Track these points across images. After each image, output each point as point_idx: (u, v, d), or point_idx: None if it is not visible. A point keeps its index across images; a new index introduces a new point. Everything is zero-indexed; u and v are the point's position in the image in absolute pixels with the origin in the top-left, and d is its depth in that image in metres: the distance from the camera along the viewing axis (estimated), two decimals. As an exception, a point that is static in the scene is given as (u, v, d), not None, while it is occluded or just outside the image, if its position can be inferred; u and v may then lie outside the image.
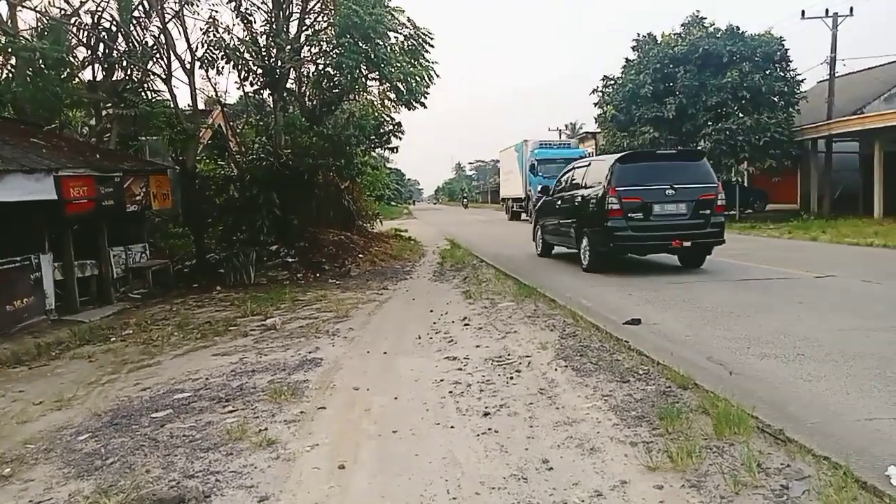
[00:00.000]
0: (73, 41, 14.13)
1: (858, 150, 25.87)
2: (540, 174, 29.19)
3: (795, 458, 3.71)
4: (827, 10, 26.55)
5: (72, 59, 14.08)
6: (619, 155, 13.19)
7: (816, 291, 9.43)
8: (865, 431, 4.19)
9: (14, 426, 5.08)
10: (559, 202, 14.22)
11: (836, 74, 27.29)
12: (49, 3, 14.78)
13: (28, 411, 5.42)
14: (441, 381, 5.59)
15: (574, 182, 13.66)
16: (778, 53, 26.00)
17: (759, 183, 32.27)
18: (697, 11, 28.73)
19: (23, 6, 14.28)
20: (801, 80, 27.06)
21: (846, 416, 4.50)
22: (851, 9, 26.72)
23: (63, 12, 14.53)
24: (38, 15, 14.27)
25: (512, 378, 5.55)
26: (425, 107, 14.84)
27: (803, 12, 26.73)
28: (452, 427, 4.49)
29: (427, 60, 14.54)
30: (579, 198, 12.88)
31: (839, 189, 26.11)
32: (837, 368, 5.53)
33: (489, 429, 4.40)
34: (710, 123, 25.48)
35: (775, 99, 25.86)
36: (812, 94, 28.00)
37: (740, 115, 25.42)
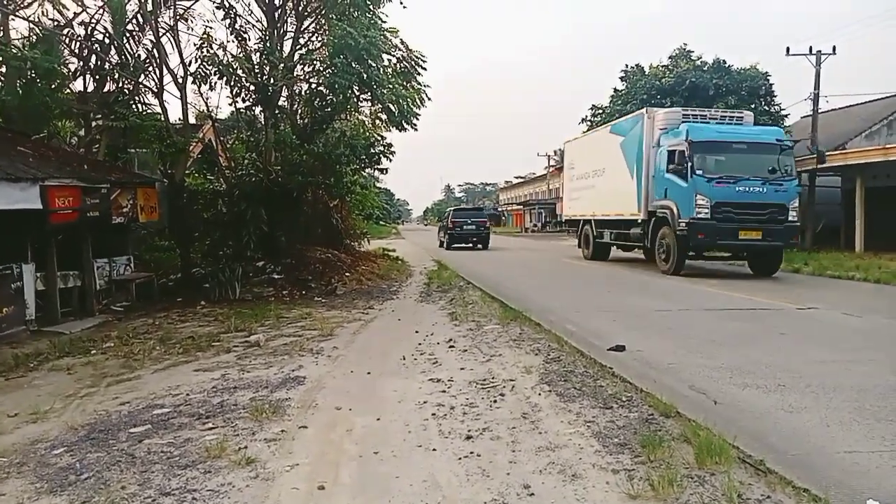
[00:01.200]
0: (66, 52, 14.14)
1: (840, 184, 26.34)
2: (700, 172, 15.28)
3: (776, 489, 3.72)
4: (811, 48, 27.21)
5: (63, 69, 14.07)
6: None
7: (798, 323, 9.53)
8: (845, 464, 4.22)
9: (-13, 438, 4.97)
10: None
11: (820, 110, 27.85)
12: (42, 13, 14.82)
13: (2, 423, 5.31)
14: (424, 402, 5.56)
15: None
16: (763, 88, 26.65)
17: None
18: (685, 45, 29.39)
19: (16, 15, 14.29)
20: (786, 115, 27.68)
21: (826, 448, 4.53)
22: (834, 48, 27.39)
23: (56, 23, 14.55)
24: (31, 25, 14.29)
25: (495, 401, 5.54)
26: (416, 129, 14.96)
27: (788, 49, 27.34)
28: (434, 450, 4.46)
29: (419, 83, 14.71)
30: None
31: (821, 223, 26.51)
32: (818, 400, 5.57)
33: (471, 452, 4.38)
34: (696, 154, 25.85)
35: (760, 132, 26.32)
36: (796, 129, 28.60)
37: (726, 147, 25.81)
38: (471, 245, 31.42)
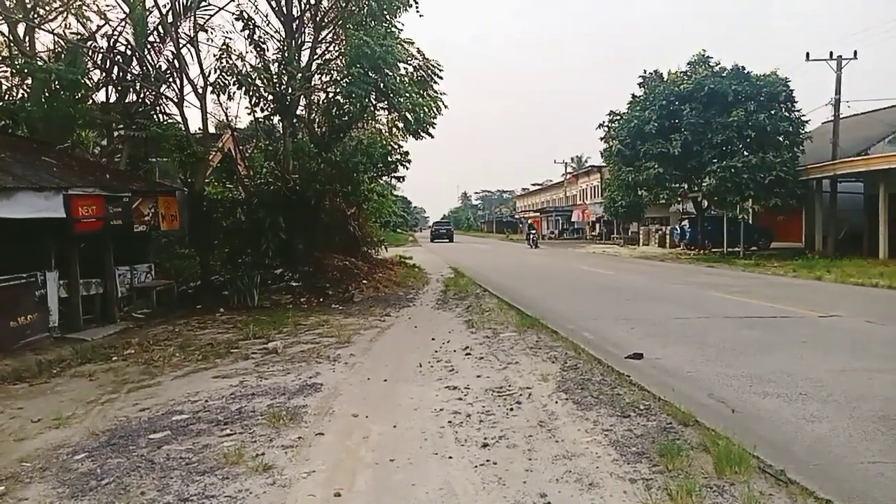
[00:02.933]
0: (89, 63, 14.41)
1: (863, 190, 25.95)
2: None
3: (797, 500, 3.66)
4: (831, 53, 26.87)
5: (87, 81, 14.34)
6: None
7: (820, 331, 9.38)
8: (868, 475, 4.14)
9: (11, 443, 5.06)
10: None
11: (841, 116, 27.46)
12: (66, 26, 15.14)
13: (26, 429, 5.40)
14: (441, 410, 5.56)
15: None
16: (783, 94, 26.30)
17: (763, 221, 32.35)
18: (704, 51, 29.16)
19: (41, 28, 14.61)
20: (806, 121, 27.30)
21: (849, 458, 4.45)
22: (855, 52, 27.04)
23: (80, 35, 14.85)
24: (56, 37, 14.59)
25: (512, 409, 5.52)
26: (432, 136, 15.01)
27: (808, 54, 27.06)
28: (451, 457, 4.45)
29: (435, 91, 14.77)
30: None
31: (844, 229, 26.11)
32: (840, 410, 5.48)
33: (487, 460, 4.37)
34: (715, 161, 25.66)
35: (780, 138, 26.06)
36: (817, 135, 28.20)
37: (745, 153, 25.62)
38: (445, 239, 58.38)
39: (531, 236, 46.71)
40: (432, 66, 14.71)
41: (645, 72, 29.93)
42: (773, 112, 25.91)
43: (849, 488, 3.87)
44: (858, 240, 25.26)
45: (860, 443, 4.72)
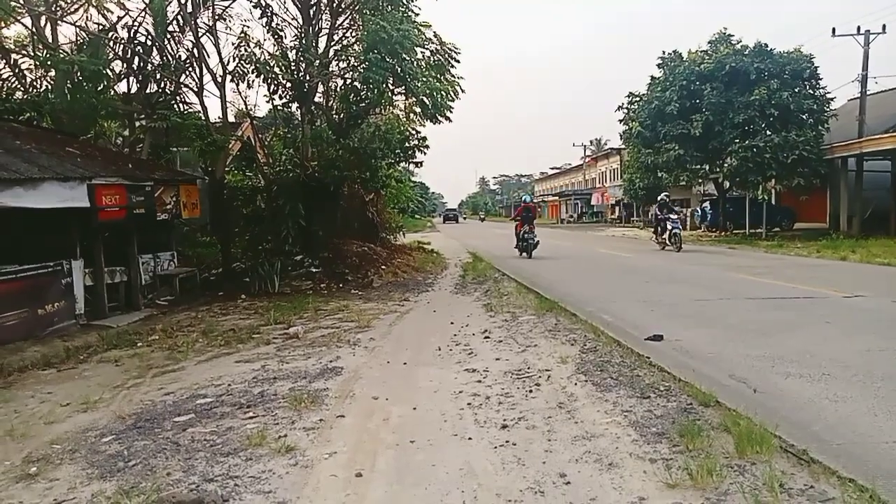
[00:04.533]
0: (110, 55, 14.55)
1: (891, 168, 25.37)
2: None
3: (819, 479, 3.64)
4: (858, 28, 26.22)
5: (108, 71, 14.49)
6: None
7: (844, 311, 9.24)
8: (894, 454, 4.10)
9: (41, 426, 5.20)
10: None
11: (868, 92, 26.85)
12: (88, 17, 15.28)
13: (55, 412, 5.54)
14: (460, 392, 5.60)
15: None
16: (807, 71, 25.75)
17: (786, 201, 31.82)
18: (725, 29, 28.61)
19: (63, 21, 14.77)
20: (832, 98, 26.72)
21: (874, 437, 4.40)
22: (884, 26, 26.38)
23: (101, 27, 14.98)
24: (78, 29, 14.74)
25: (531, 391, 5.54)
26: (450, 120, 14.96)
27: (834, 30, 26.45)
28: (470, 438, 4.49)
29: (453, 75, 14.68)
30: None
31: (870, 208, 25.58)
32: (865, 389, 5.41)
33: (507, 441, 4.39)
34: (736, 141, 25.26)
35: (804, 116, 25.57)
36: (842, 112, 27.60)
37: (768, 132, 25.18)
38: (453, 221, 76.90)
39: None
40: (449, 49, 14.61)
41: (664, 52, 29.41)
42: (796, 90, 25.40)
43: (873, 467, 3.82)
44: (885, 219, 24.73)
45: (885, 422, 4.66)
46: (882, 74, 50.79)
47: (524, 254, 20.22)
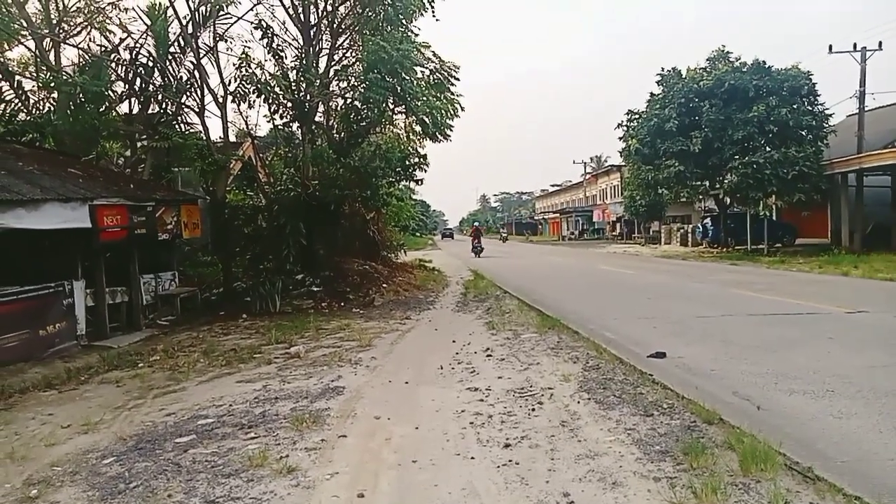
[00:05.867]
0: (112, 76, 14.70)
1: (890, 184, 25.43)
2: None
3: (825, 497, 3.61)
4: (855, 45, 26.44)
5: (110, 93, 14.63)
6: None
7: (847, 327, 9.21)
8: (899, 471, 4.07)
9: (42, 448, 5.17)
10: None
11: (866, 108, 26.99)
12: (90, 39, 15.46)
13: (56, 434, 5.52)
14: (462, 411, 5.57)
15: None
16: (805, 87, 25.91)
17: (788, 217, 31.86)
18: (723, 46, 28.83)
19: (66, 43, 14.94)
20: (830, 114, 26.87)
21: (879, 454, 4.37)
22: (880, 43, 26.68)
23: (103, 49, 15.15)
24: (80, 51, 14.91)
25: (534, 410, 5.51)
26: (449, 139, 15.04)
27: (830, 47, 26.65)
28: (473, 458, 4.46)
29: (452, 93, 14.78)
30: None
31: (871, 224, 25.59)
32: (869, 406, 5.38)
33: (510, 460, 4.36)
34: (736, 157, 25.36)
35: (803, 133, 25.68)
36: (841, 128, 27.73)
37: (767, 148, 25.27)
38: (451, 238, 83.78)
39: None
40: (448, 68, 14.73)
41: (663, 69, 29.61)
42: (795, 106, 25.54)
43: (878, 485, 3.80)
44: (887, 234, 24.73)
45: (890, 439, 4.63)
46: (880, 91, 51.15)
47: (474, 254, 33.35)
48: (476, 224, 43.06)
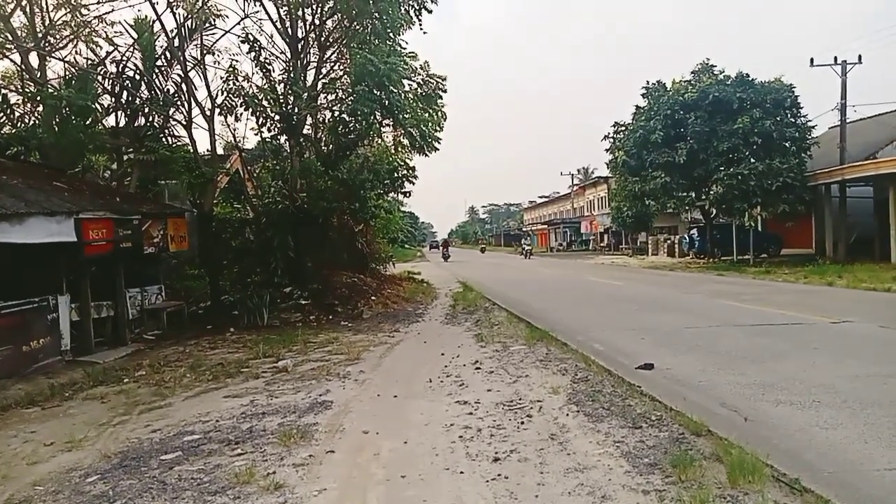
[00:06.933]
0: (99, 89, 14.63)
1: (873, 194, 25.77)
2: None
3: (812, 508, 3.62)
4: (836, 58, 26.87)
5: (96, 106, 14.54)
6: None
7: (832, 337, 9.30)
8: (885, 482, 4.09)
9: (24, 467, 5.09)
10: None
11: (848, 120, 27.40)
12: (77, 52, 15.40)
13: (39, 452, 5.43)
14: (451, 425, 5.55)
15: None
16: (788, 100, 26.25)
17: (773, 227, 32.16)
18: (707, 59, 29.19)
19: (52, 56, 14.87)
20: (813, 126, 27.23)
21: (865, 465, 4.40)
22: (860, 56, 27.06)
23: (90, 62, 15.08)
24: (66, 64, 14.83)
25: (523, 423, 5.50)
26: (437, 150, 15.09)
27: (812, 60, 27.07)
28: (462, 472, 4.44)
29: (439, 105, 14.85)
30: None
31: (854, 234, 25.90)
32: (855, 416, 5.42)
33: (499, 474, 4.35)
34: (721, 168, 25.61)
35: (787, 144, 25.98)
36: (824, 140, 28.10)
37: (752, 160, 25.54)
38: (437, 250, 66.53)
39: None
40: (436, 79, 14.79)
41: (648, 82, 29.92)
42: (778, 118, 25.86)
43: (865, 496, 3.82)
44: (869, 244, 25.05)
45: (875, 449, 4.66)
46: (861, 103, 51.95)
47: (444, 259, 46.02)
48: (445, 238, 68.25)
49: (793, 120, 26.45)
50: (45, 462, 5.19)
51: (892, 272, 18.42)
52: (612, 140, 31.45)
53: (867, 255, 23.86)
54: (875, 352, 8.20)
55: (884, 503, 3.74)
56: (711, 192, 27.23)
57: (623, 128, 30.59)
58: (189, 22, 14.34)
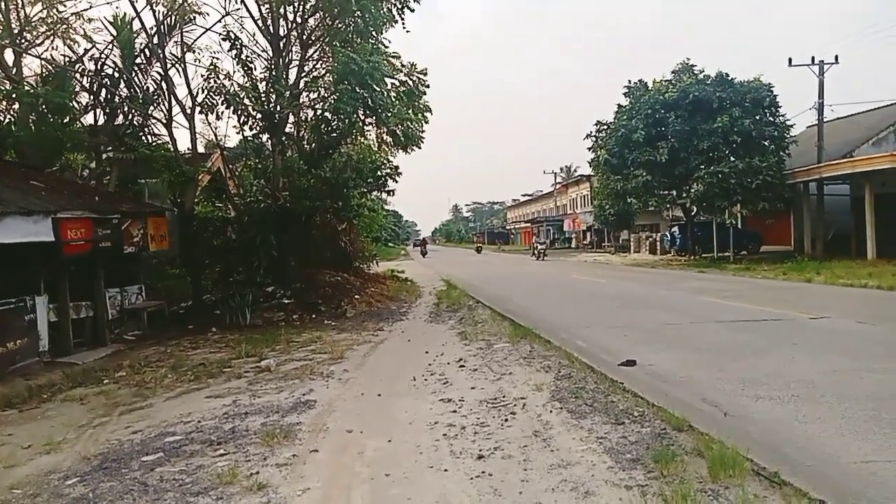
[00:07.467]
0: (77, 87, 14.42)
1: (850, 192, 26.19)
2: None
3: (791, 501, 3.67)
4: (813, 59, 27.24)
5: (74, 104, 14.34)
6: None
7: (811, 333, 9.44)
8: (862, 474, 4.16)
9: (1, 470, 5.01)
10: None
11: (825, 119, 27.80)
12: (54, 48, 15.16)
13: (16, 455, 5.35)
14: (435, 423, 5.55)
15: None
16: (767, 99, 26.56)
17: (752, 225, 32.55)
18: (688, 59, 29.46)
19: (28, 53, 14.63)
20: (791, 125, 27.59)
21: (842, 458, 4.47)
22: (836, 57, 27.43)
23: (67, 59, 14.86)
24: (43, 62, 14.61)
25: (507, 420, 5.52)
26: (421, 148, 15.07)
27: (790, 60, 27.40)
28: (446, 470, 4.44)
29: (421, 103, 14.83)
30: None
31: (832, 231, 26.31)
32: (832, 410, 5.51)
33: (483, 472, 4.36)
34: (702, 167, 25.85)
35: (766, 143, 26.30)
36: (802, 139, 28.49)
37: (732, 158, 25.81)
38: (419, 249, 65.62)
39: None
40: (419, 76, 14.75)
41: (630, 82, 30.13)
42: (757, 117, 26.16)
43: (843, 488, 3.89)
44: (846, 241, 25.45)
45: (853, 442, 4.74)
46: (837, 103, 52.71)
47: (423, 256, 51.31)
48: (423, 238, 75.10)
49: (772, 119, 26.78)
50: (22, 465, 5.11)
51: (869, 268, 18.74)
52: (594, 139, 31.62)
53: (844, 252, 24.24)
54: (852, 347, 8.34)
55: (861, 495, 3.80)
56: (692, 190, 27.50)
57: (605, 127, 30.77)
58: (169, 19, 14.18)
